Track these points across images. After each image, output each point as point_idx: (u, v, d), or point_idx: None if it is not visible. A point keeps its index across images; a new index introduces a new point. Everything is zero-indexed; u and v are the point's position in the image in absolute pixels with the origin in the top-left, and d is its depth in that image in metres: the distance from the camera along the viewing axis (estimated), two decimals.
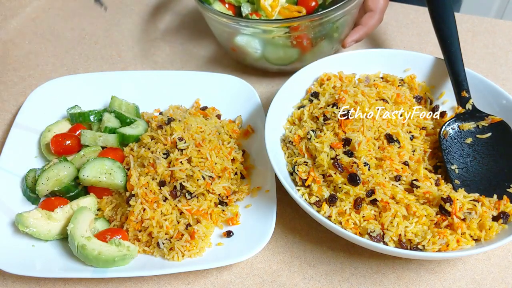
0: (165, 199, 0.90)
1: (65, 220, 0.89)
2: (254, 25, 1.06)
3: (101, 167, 0.92)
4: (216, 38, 1.25)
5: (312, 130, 0.95)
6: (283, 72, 1.23)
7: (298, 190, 0.90)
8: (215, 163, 0.93)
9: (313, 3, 1.20)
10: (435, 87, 1.09)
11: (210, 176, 0.91)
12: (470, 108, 0.99)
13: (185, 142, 0.93)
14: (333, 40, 1.17)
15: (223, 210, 0.92)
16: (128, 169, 0.95)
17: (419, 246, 0.81)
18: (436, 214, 0.83)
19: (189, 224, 0.89)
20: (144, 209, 0.88)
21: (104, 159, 0.94)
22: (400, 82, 1.07)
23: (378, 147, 0.92)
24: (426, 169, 0.92)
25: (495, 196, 0.87)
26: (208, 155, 0.93)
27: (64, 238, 0.88)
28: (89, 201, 0.92)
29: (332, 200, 0.86)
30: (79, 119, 1.04)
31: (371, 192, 0.85)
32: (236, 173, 0.98)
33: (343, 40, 1.19)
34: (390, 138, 0.92)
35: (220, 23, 1.09)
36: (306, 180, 0.90)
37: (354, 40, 1.19)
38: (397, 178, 0.88)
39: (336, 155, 0.90)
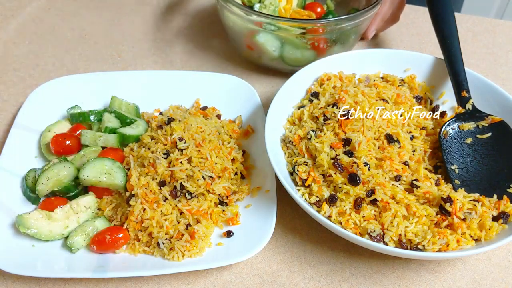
0: (165, 199, 0.90)
1: (66, 220, 0.89)
2: (282, 23, 1.06)
3: (101, 167, 0.92)
4: (229, 36, 1.25)
5: (312, 130, 0.95)
6: (283, 72, 1.23)
7: (298, 190, 0.90)
8: (215, 163, 0.93)
9: (319, 9, 1.25)
10: (435, 87, 1.09)
11: (210, 176, 0.91)
12: (470, 108, 0.99)
13: (185, 142, 0.93)
14: (346, 44, 1.18)
15: (223, 210, 0.92)
16: (128, 169, 0.95)
17: (419, 246, 0.81)
18: (436, 214, 0.83)
19: (189, 224, 0.89)
20: (144, 209, 0.88)
21: (104, 159, 0.94)
22: (400, 82, 1.07)
23: (378, 147, 0.92)
24: (426, 169, 0.92)
25: (495, 196, 0.87)
26: (208, 155, 0.93)
27: (64, 238, 0.88)
28: (88, 200, 0.92)
29: (332, 200, 0.86)
30: (79, 119, 1.04)
31: (371, 192, 0.85)
32: (236, 173, 0.98)
33: (364, 33, 1.28)
34: (390, 138, 0.92)
35: (246, 19, 1.09)
36: (306, 180, 0.90)
37: (373, 30, 1.29)
38: (397, 178, 0.88)
39: (336, 155, 0.90)
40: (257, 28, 1.10)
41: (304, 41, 1.11)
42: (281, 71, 1.23)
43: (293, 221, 0.95)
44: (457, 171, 0.93)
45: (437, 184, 0.89)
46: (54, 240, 0.88)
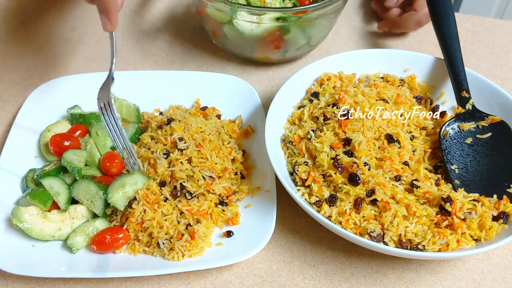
0: (166, 199, 0.90)
1: (60, 223, 0.88)
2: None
3: (86, 190, 0.90)
4: (235, 47, 1.22)
5: (312, 130, 0.95)
6: (283, 72, 1.23)
7: (298, 190, 0.90)
8: (215, 163, 0.93)
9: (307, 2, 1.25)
10: (435, 87, 1.09)
11: (210, 176, 0.91)
12: (470, 108, 0.99)
13: (185, 142, 0.93)
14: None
15: (223, 210, 0.92)
16: None
17: (419, 246, 0.81)
18: (436, 214, 0.83)
19: (189, 224, 0.89)
20: (145, 211, 0.88)
21: (90, 184, 0.91)
22: (400, 82, 1.07)
23: (378, 147, 0.92)
24: (426, 169, 0.92)
25: (495, 196, 0.87)
26: (208, 155, 0.93)
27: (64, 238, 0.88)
28: (86, 209, 0.91)
29: (332, 200, 0.86)
30: (79, 120, 1.04)
31: (371, 192, 0.85)
32: (236, 173, 0.97)
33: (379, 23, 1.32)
34: (390, 138, 0.92)
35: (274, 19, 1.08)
36: (306, 180, 0.90)
37: (385, 26, 1.32)
38: (397, 178, 0.88)
39: (336, 155, 0.90)
40: (285, 24, 1.09)
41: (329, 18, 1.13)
42: (295, 59, 1.26)
43: (293, 221, 0.95)
44: (457, 171, 0.93)
45: (437, 184, 0.89)
46: (43, 240, 0.87)
